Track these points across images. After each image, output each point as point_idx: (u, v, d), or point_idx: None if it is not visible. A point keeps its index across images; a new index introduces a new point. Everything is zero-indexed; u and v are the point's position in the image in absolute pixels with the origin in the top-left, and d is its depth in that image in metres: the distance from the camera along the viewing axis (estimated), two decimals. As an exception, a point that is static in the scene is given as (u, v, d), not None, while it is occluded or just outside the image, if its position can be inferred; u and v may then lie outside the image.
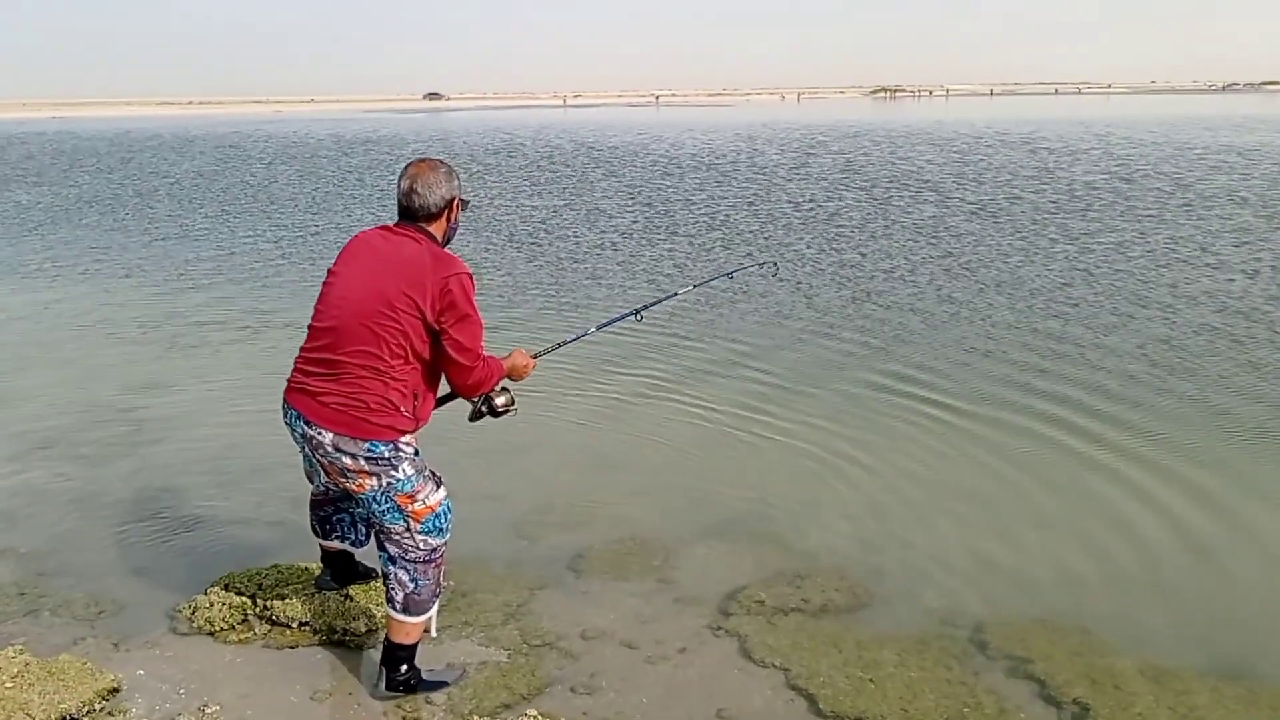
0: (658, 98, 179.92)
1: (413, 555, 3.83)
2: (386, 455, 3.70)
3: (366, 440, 3.67)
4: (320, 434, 3.71)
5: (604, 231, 16.56)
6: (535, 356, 4.25)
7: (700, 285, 9.50)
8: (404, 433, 3.73)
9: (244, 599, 4.52)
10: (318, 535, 4.40)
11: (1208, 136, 37.33)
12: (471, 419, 4.07)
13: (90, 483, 6.22)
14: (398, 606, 3.86)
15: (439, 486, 3.87)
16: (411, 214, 3.79)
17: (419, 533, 3.80)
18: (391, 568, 3.86)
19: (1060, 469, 6.31)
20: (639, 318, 5.06)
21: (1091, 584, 4.94)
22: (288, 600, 4.45)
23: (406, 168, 3.85)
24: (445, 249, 3.82)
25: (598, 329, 5.14)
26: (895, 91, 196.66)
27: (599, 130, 55.54)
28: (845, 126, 53.18)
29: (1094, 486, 6.04)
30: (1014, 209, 17.93)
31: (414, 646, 3.95)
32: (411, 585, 3.84)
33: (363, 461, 3.69)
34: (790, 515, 5.70)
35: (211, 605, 4.47)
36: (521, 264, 13.78)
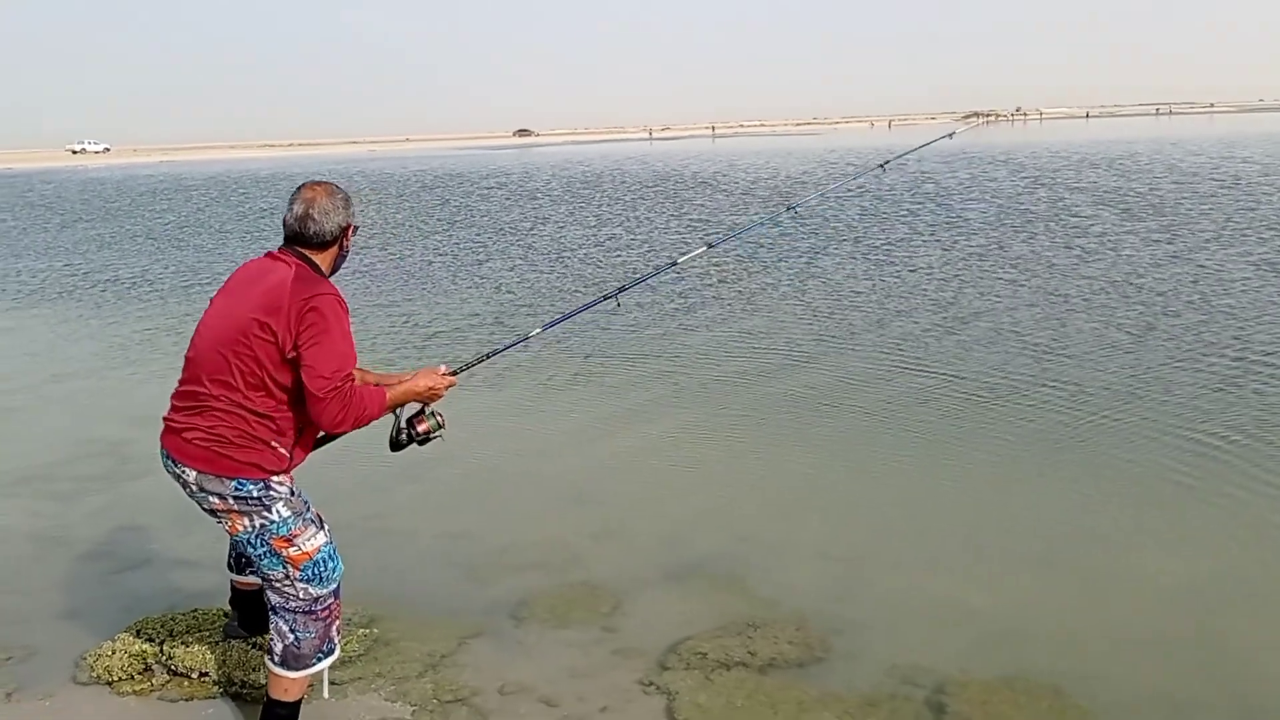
0: (714, 128, 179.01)
1: (293, 605, 3.55)
2: (256, 495, 3.43)
3: (233, 478, 3.41)
4: (184, 471, 3.46)
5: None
6: (455, 372, 3.96)
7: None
8: (273, 472, 3.46)
9: (150, 646, 4.28)
10: (233, 570, 4.16)
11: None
12: (392, 448, 3.82)
13: (54, 520, 6.11)
14: (276, 659, 3.59)
15: (320, 529, 3.58)
16: (303, 240, 3.54)
17: (299, 580, 3.53)
18: (273, 616, 3.60)
19: (1050, 509, 5.78)
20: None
21: (1071, 638, 4.39)
22: (191, 648, 4.20)
23: (300, 190, 3.58)
24: (329, 277, 3.57)
25: (543, 329, 4.89)
26: (989, 116, 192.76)
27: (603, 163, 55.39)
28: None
29: (1087, 527, 5.51)
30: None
31: (295, 705, 3.64)
32: (290, 637, 3.56)
33: (231, 501, 3.43)
34: (761, 556, 5.28)
35: (114, 653, 4.24)
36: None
